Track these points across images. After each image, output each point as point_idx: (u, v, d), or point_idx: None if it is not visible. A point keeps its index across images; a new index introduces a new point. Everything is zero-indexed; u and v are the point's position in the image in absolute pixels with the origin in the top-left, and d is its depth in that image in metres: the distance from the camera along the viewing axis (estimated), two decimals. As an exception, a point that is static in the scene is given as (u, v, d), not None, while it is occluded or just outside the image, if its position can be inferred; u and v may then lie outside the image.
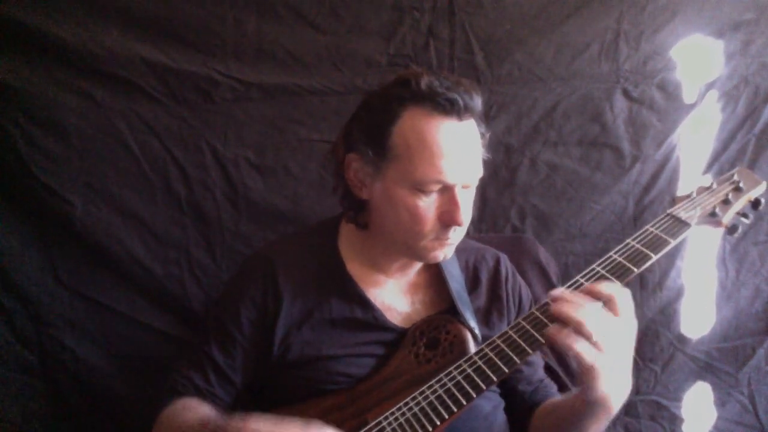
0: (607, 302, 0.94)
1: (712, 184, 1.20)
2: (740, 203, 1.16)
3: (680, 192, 1.73)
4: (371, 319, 1.16)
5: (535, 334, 0.99)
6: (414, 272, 1.24)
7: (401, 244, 1.13)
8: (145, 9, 1.57)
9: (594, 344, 0.90)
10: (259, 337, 1.15)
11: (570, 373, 1.43)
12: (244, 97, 1.65)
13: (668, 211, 1.14)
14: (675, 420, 1.86)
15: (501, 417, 1.21)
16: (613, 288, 0.95)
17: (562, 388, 1.33)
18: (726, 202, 1.15)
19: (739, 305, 1.85)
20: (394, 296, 1.21)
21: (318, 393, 1.11)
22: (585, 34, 1.73)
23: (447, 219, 1.07)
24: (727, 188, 1.18)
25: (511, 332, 1.02)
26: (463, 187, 1.08)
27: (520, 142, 1.76)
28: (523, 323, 1.02)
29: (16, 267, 1.59)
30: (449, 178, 1.05)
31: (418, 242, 1.10)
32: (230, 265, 1.68)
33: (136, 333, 1.66)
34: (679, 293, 1.83)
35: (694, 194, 1.18)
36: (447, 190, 1.06)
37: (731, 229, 1.16)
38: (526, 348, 0.99)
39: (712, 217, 1.13)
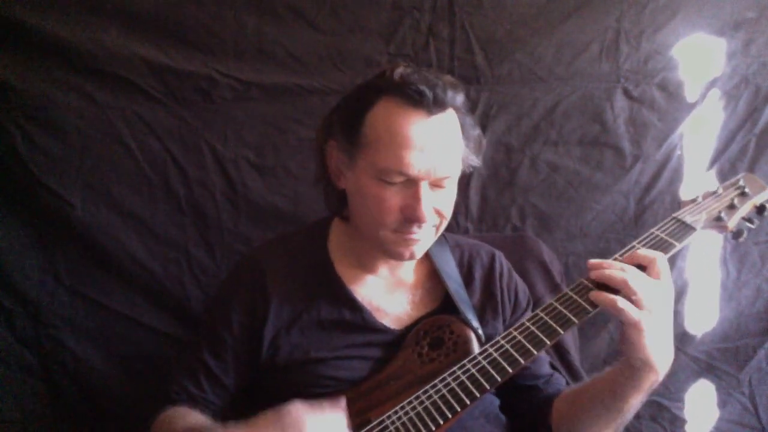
0: (648, 267, 0.98)
1: (717, 188, 1.20)
2: (746, 208, 1.17)
3: (681, 192, 1.73)
4: (359, 321, 1.15)
5: (540, 335, 1.00)
6: (403, 272, 1.23)
7: (367, 234, 1.12)
8: (145, 9, 1.57)
9: (637, 301, 0.94)
10: (248, 340, 1.15)
11: (572, 371, 1.43)
12: (244, 97, 1.65)
13: (674, 215, 1.14)
14: (676, 420, 1.85)
15: (500, 417, 1.21)
16: (654, 253, 1.00)
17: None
18: (731, 207, 1.15)
19: (741, 305, 1.85)
20: (382, 297, 1.20)
21: (308, 396, 1.06)
22: (585, 33, 1.73)
23: (408, 213, 1.06)
24: (733, 193, 1.18)
25: (515, 332, 1.03)
26: (434, 184, 1.06)
27: (520, 142, 1.76)
28: (528, 324, 1.02)
29: (16, 267, 1.59)
30: (412, 171, 1.03)
31: (379, 232, 1.09)
32: (230, 265, 1.67)
33: (136, 333, 1.66)
34: (680, 293, 1.82)
35: (700, 198, 1.19)
36: (411, 184, 1.05)
37: (736, 234, 1.17)
38: (530, 348, 0.99)
39: (717, 221, 1.14)
